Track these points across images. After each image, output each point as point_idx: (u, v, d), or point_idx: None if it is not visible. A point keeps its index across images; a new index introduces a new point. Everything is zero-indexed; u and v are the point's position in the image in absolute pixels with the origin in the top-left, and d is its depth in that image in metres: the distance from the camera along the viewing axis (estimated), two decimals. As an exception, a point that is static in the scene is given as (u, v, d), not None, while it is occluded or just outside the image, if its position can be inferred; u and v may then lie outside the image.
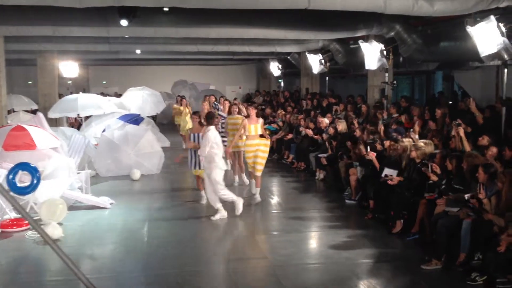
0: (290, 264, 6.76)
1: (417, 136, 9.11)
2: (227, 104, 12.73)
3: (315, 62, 16.66)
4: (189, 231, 8.20)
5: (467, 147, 7.90)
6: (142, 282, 6.39)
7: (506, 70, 9.58)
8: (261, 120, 10.21)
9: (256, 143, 10.06)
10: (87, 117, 14.19)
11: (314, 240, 8.11)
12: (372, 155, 9.08)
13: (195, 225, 8.64)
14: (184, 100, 17.32)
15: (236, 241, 7.99)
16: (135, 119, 13.32)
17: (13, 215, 8.40)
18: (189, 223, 8.54)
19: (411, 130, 9.54)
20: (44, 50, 17.36)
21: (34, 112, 14.40)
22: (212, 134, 8.57)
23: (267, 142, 10.22)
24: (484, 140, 7.80)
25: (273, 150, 15.18)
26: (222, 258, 7.09)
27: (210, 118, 8.93)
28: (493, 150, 7.24)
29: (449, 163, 7.13)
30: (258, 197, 10.03)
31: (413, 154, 8.12)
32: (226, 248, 7.52)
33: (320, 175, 12.01)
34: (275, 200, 10.50)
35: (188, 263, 6.95)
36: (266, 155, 10.24)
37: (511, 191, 5.91)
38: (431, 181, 7.46)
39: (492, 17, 8.20)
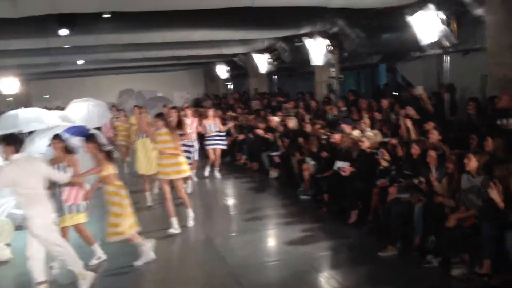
0: (249, 264, 6.70)
1: (368, 128, 9.24)
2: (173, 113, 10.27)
3: (262, 62, 16.72)
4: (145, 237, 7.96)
5: (414, 136, 8.05)
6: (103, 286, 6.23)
7: (447, 57, 9.85)
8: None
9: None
10: (30, 133, 13.73)
11: (271, 238, 8.07)
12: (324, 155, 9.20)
13: (151, 231, 8.34)
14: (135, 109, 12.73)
15: (193, 245, 7.85)
16: (80, 131, 12.90)
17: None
18: (144, 229, 8.30)
19: (362, 121, 9.66)
20: (-20, 66, 16.73)
21: (-26, 131, 13.77)
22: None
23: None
24: (430, 126, 7.96)
25: (226, 152, 15.10)
26: (180, 263, 6.95)
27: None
28: (434, 133, 7.39)
29: (400, 149, 7.24)
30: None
31: (364, 144, 8.23)
32: (184, 253, 7.38)
33: (273, 173, 12.01)
34: (230, 202, 10.42)
35: (147, 270, 6.77)
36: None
37: (459, 172, 6.04)
38: (381, 167, 7.56)
39: (431, 5, 8.39)
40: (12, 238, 8.12)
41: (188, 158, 10.18)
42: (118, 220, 6.57)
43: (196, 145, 11.63)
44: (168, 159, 8.10)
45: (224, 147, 12.59)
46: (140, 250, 6.80)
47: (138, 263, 6.76)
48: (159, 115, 8.35)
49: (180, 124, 9.43)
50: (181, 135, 9.06)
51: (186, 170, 8.29)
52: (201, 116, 12.64)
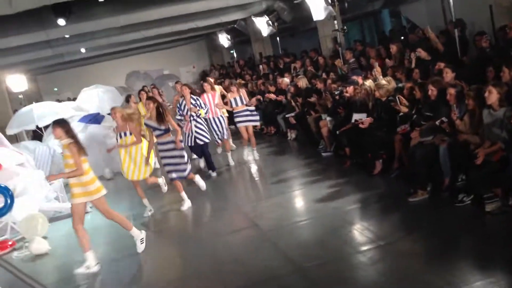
0: (281, 226, 6.74)
1: (380, 76, 9.15)
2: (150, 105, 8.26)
3: (263, 25, 16.53)
4: (177, 217, 8.09)
5: None
6: (141, 276, 6.33)
7: (451, -7, 9.62)
8: None
9: None
10: (46, 127, 13.85)
11: (299, 198, 8.09)
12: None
13: (181, 210, 8.44)
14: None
15: (224, 215, 7.93)
16: (95, 118, 13.01)
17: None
18: (175, 210, 8.42)
19: (374, 70, 9.56)
20: (-14, 67, 16.80)
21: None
22: None
23: None
24: (441, 66, 7.86)
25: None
26: (213, 235, 7.03)
27: None
28: (448, 71, 7.29)
29: (418, 91, 7.15)
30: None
31: (378, 93, 8.16)
32: (216, 224, 7.46)
33: (291, 134, 12.02)
34: (253, 168, 10.45)
35: (184, 247, 6.88)
36: None
37: (479, 107, 5.98)
38: (402, 114, 7.50)
39: None
40: (47, 230, 8.32)
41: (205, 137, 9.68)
42: None
43: (222, 122, 10.69)
44: (73, 179, 6.24)
45: (257, 124, 11.24)
46: None
47: None
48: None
49: (160, 116, 8.02)
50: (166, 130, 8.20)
51: (96, 190, 6.33)
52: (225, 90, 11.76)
